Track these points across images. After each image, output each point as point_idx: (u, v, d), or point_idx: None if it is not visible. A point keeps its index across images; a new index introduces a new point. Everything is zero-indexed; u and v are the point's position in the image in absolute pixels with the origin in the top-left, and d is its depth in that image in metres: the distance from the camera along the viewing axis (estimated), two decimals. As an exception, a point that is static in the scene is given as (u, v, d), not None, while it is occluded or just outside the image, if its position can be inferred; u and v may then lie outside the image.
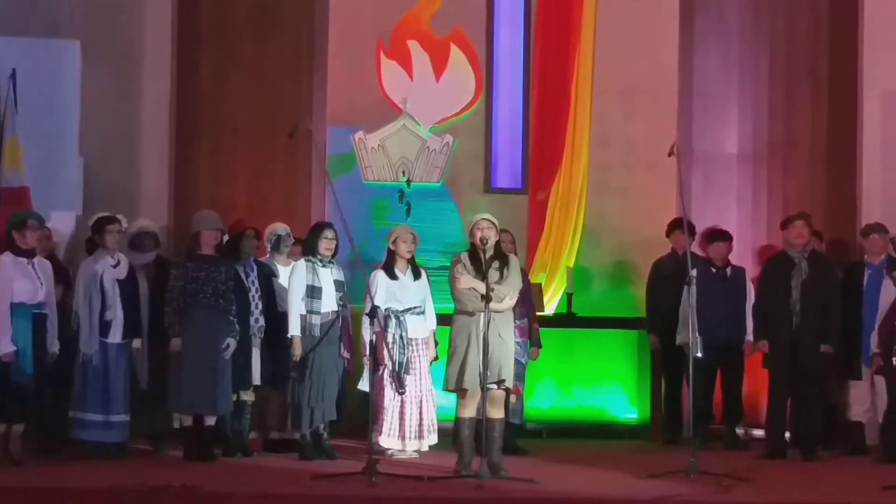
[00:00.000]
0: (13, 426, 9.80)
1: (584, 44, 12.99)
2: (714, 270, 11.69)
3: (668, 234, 12.16)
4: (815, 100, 13.03)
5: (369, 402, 9.74)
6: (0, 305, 9.72)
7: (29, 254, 9.94)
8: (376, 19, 13.21)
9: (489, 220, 9.53)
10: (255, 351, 10.65)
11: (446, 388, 9.59)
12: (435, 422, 10.60)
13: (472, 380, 9.33)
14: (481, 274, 9.38)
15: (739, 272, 11.83)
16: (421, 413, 10.51)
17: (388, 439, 10.43)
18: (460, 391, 9.45)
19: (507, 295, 9.43)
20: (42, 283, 9.92)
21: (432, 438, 10.57)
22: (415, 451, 10.49)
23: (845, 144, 12.55)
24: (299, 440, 10.35)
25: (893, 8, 12.28)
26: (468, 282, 9.42)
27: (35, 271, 9.91)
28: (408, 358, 10.45)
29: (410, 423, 10.47)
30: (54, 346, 10.01)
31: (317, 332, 10.28)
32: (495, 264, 9.46)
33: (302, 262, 10.45)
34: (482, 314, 9.26)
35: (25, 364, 9.77)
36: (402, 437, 10.46)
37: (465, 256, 9.56)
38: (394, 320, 10.45)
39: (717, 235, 11.91)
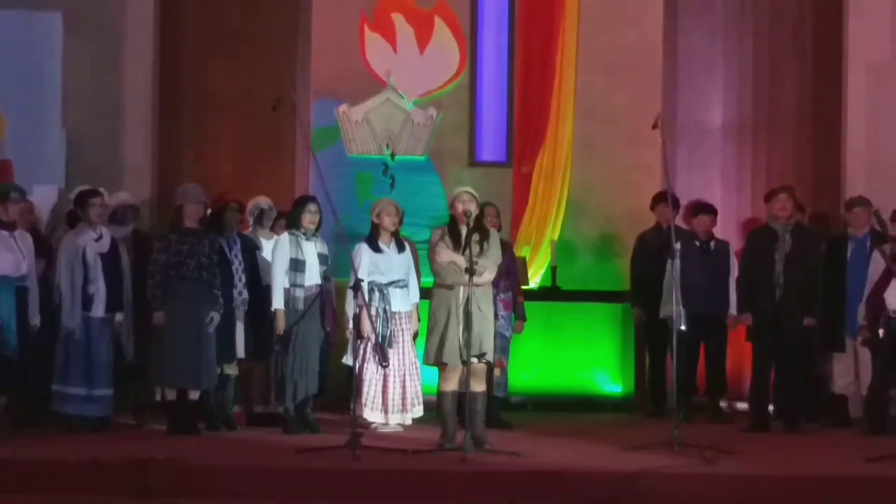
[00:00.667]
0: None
1: (568, 16, 12.97)
2: (698, 244, 11.66)
3: (652, 208, 12.15)
4: (800, 72, 13.03)
5: (353, 375, 9.72)
6: (-17, 279, 9.70)
7: (10, 227, 9.89)
8: (360, -8, 13.17)
9: (470, 193, 9.51)
10: (239, 324, 10.63)
11: (426, 362, 9.60)
12: (419, 395, 10.59)
13: (451, 353, 9.32)
14: (461, 247, 9.35)
15: (723, 245, 11.82)
16: (404, 386, 10.49)
17: (370, 413, 10.42)
18: (440, 365, 9.44)
19: (487, 269, 9.40)
20: (24, 256, 9.88)
21: (416, 411, 10.57)
22: (398, 424, 10.48)
23: (830, 117, 12.54)
24: (283, 414, 10.34)
25: (878, -19, 12.28)
26: (448, 255, 9.40)
27: (17, 244, 9.86)
28: (391, 331, 10.44)
29: (393, 396, 10.46)
30: (35, 319, 9.98)
31: (300, 306, 10.26)
32: (475, 237, 9.43)
33: (285, 236, 10.42)
34: (462, 287, 9.25)
35: (10, 337, 9.74)
36: (385, 410, 10.45)
37: (445, 230, 9.53)
38: (377, 293, 10.43)
39: (701, 208, 11.89)
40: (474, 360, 9.30)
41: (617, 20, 13.08)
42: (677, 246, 9.89)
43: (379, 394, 10.44)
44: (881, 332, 10.37)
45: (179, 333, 10.12)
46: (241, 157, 12.71)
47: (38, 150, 11.49)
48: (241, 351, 10.68)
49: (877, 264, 10.70)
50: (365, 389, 10.38)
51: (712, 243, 11.77)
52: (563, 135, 12.96)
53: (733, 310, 11.39)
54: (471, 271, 9.16)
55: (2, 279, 9.75)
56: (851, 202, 11.23)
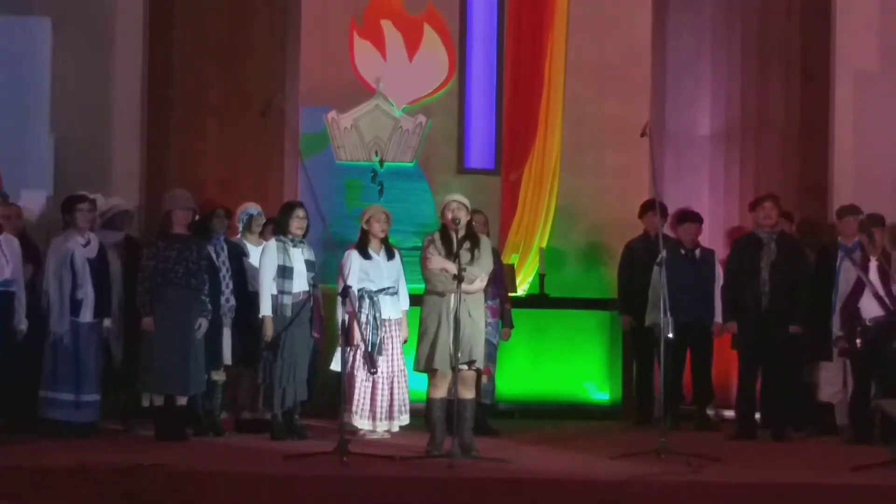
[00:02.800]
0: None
1: (557, 23, 13.00)
2: (683, 252, 11.69)
3: (640, 216, 12.17)
4: (787, 80, 13.07)
5: (341, 382, 9.73)
6: (-36, 284, 9.67)
7: (-7, 231, 9.88)
8: (349, -2, 13.17)
9: (459, 201, 9.51)
10: (226, 331, 10.62)
11: (416, 369, 9.60)
12: (407, 402, 10.60)
13: (442, 360, 9.33)
14: (452, 254, 9.36)
15: (709, 254, 11.85)
16: (392, 393, 10.50)
17: (358, 420, 10.42)
18: (431, 371, 9.45)
19: (479, 276, 9.43)
20: (8, 261, 9.84)
21: (403, 419, 10.57)
22: (385, 431, 10.48)
23: (818, 125, 12.60)
24: (271, 420, 10.34)
25: (866, -11, 12.33)
26: (439, 262, 9.41)
27: (1, 249, 9.83)
28: (381, 338, 10.44)
29: (381, 403, 10.46)
30: (22, 324, 9.94)
31: (288, 313, 10.25)
32: (466, 245, 9.45)
33: (273, 242, 10.41)
34: (453, 294, 9.26)
35: (-8, 343, 9.73)
36: (373, 417, 10.46)
37: (436, 237, 9.55)
38: (367, 300, 10.43)
39: (687, 216, 11.91)
40: (464, 366, 9.32)
41: (605, 28, 13.10)
42: (663, 253, 9.89)
43: (367, 401, 10.45)
44: (858, 341, 10.40)
45: (167, 339, 10.12)
46: (229, 164, 12.70)
47: (26, 155, 11.46)
48: (227, 358, 10.67)
49: (847, 273, 10.70)
50: (355, 396, 10.39)
51: (698, 251, 11.80)
52: (552, 142, 12.98)
53: (719, 318, 11.42)
54: (459, 278, 9.18)
55: (-16, 284, 9.75)
56: (843, 210, 11.21)
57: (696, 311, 11.36)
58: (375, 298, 10.45)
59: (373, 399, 10.45)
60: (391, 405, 10.50)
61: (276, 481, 8.54)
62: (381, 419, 10.46)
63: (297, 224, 10.39)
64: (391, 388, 10.49)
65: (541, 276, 12.61)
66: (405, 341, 10.63)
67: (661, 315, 9.62)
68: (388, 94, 13.14)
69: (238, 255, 10.83)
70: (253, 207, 11.16)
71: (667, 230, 11.64)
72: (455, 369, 9.25)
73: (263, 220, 11.13)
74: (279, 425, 10.27)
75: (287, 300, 10.27)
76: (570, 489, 8.46)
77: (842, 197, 11.81)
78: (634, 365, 12.22)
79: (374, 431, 10.45)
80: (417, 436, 9.91)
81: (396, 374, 10.53)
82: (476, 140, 13.33)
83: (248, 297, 10.67)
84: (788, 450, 10.42)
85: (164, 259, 10.18)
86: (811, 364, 11.19)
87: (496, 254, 10.80)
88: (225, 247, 10.74)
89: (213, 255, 10.59)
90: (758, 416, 11.06)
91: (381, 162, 13.06)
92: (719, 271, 11.63)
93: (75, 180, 11.19)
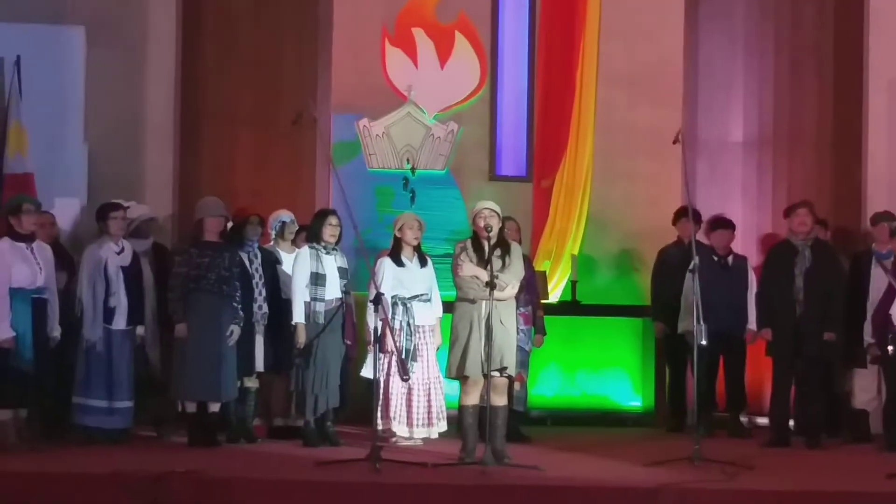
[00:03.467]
0: (18, 412, 9.81)
1: (589, 31, 12.97)
2: (716, 259, 11.66)
3: (674, 222, 12.14)
4: (820, 87, 13.02)
5: (373, 388, 9.74)
6: (-2, 290, 9.72)
7: (27, 239, 9.91)
8: (381, 6, 13.16)
9: (491, 209, 9.52)
10: (259, 338, 10.65)
11: (448, 376, 9.62)
12: (444, 409, 10.58)
13: (473, 367, 9.33)
14: (484, 262, 9.37)
15: (741, 261, 11.82)
16: (429, 400, 10.50)
17: (396, 426, 10.42)
18: (462, 378, 9.45)
19: (510, 284, 9.42)
20: (41, 268, 9.89)
21: (441, 426, 10.55)
22: (423, 438, 10.47)
23: (851, 132, 12.54)
24: (303, 427, 10.35)
25: (899, -4, 12.30)
26: (470, 269, 9.42)
27: (34, 256, 9.87)
28: (415, 345, 10.44)
29: (418, 410, 10.46)
30: (56, 331, 9.99)
31: (321, 320, 10.27)
32: (498, 252, 9.45)
33: (306, 249, 10.44)
34: (484, 302, 9.27)
35: (24, 350, 9.74)
36: (410, 424, 10.46)
37: (468, 244, 9.56)
38: (401, 307, 10.44)
39: (719, 223, 11.88)
40: (496, 373, 9.32)
41: (637, 35, 13.08)
42: (696, 260, 9.86)
43: (404, 408, 10.45)
44: (890, 348, 10.34)
45: (200, 346, 10.15)
46: (261, 171, 12.73)
47: (60, 163, 11.51)
48: (260, 364, 10.70)
49: (878, 280, 10.68)
50: (392, 403, 10.40)
51: (730, 258, 11.77)
52: (584, 149, 12.95)
53: (752, 325, 11.39)
54: (491, 285, 9.19)
55: (18, 291, 9.77)
56: (877, 217, 11.21)
57: (728, 318, 11.32)
58: (409, 305, 10.46)
59: (409, 406, 10.45)
60: (429, 412, 10.49)
61: (308, 488, 8.55)
62: (418, 426, 10.45)
63: (329, 231, 10.41)
64: (428, 396, 10.49)
65: (573, 283, 12.59)
66: (438, 348, 10.63)
67: (695, 322, 9.60)
68: (420, 102, 13.14)
69: (271, 262, 10.86)
70: (285, 215, 11.17)
71: (700, 237, 11.61)
72: (486, 376, 9.25)
73: (296, 228, 11.15)
74: (311, 432, 10.28)
75: (319, 307, 10.29)
76: (603, 497, 8.44)
77: (875, 204, 11.77)
78: (667, 372, 12.19)
79: (411, 438, 10.44)
80: (450, 443, 9.91)
81: (433, 381, 10.53)
82: (507, 147, 13.32)
83: (280, 304, 10.69)
84: (822, 457, 10.37)
85: (196, 266, 10.22)
86: (845, 371, 11.16)
87: (528, 261, 10.80)
88: (259, 254, 10.77)
89: (247, 263, 10.63)
90: (791, 423, 11.01)
91: (413, 169, 13.07)
92: (752, 278, 11.61)
93: (108, 189, 11.24)
